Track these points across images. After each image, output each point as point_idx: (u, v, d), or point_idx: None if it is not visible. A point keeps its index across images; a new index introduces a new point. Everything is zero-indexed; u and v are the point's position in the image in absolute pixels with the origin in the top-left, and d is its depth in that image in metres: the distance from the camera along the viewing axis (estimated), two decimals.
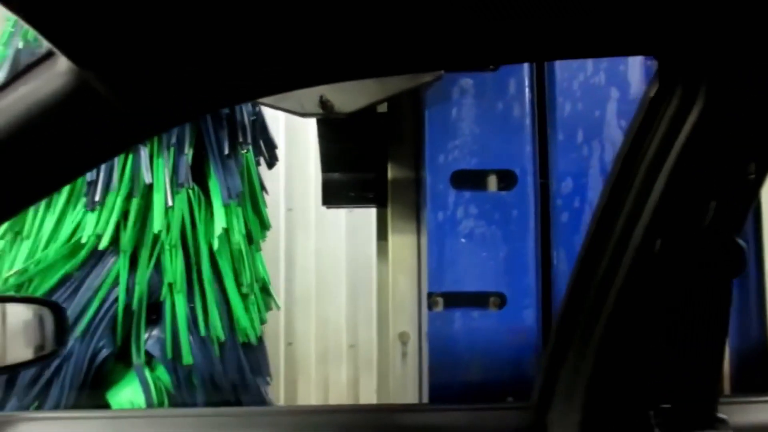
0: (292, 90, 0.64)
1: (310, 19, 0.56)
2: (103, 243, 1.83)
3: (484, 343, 1.37)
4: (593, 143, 1.40)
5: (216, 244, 1.80)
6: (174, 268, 1.76)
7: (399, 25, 0.58)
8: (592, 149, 1.40)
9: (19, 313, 0.99)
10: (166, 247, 1.79)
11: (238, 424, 0.82)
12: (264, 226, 2.06)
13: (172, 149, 1.78)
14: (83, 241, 1.84)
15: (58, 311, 0.99)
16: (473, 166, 1.41)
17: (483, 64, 1.37)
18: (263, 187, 2.15)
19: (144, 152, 1.77)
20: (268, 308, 2.14)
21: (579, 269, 0.91)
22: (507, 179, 1.41)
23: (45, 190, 0.74)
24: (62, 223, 1.88)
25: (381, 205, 1.65)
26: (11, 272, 1.87)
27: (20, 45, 1.90)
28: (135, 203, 1.80)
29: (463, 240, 1.40)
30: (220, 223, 1.78)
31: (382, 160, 1.59)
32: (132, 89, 0.63)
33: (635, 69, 1.41)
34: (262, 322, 2.13)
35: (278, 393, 2.86)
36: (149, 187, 1.81)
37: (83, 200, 1.81)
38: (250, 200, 1.98)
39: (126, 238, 1.81)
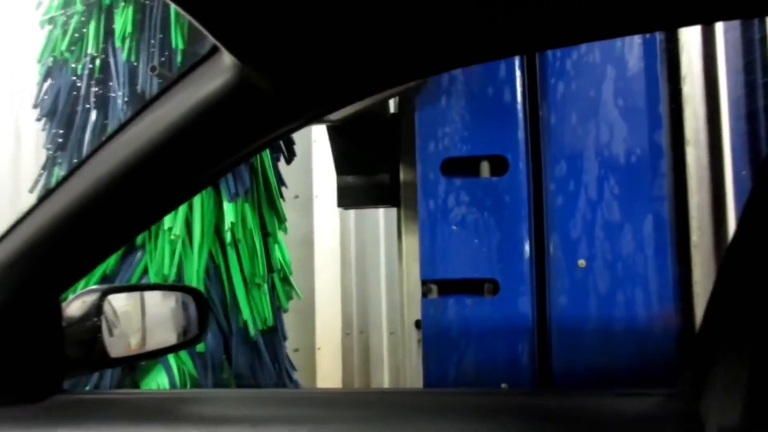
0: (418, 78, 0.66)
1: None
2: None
3: (478, 330, 1.31)
4: (588, 124, 1.31)
5: (228, 238, 1.82)
6: (171, 261, 1.79)
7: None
8: (587, 130, 1.31)
9: (165, 300, 1.03)
10: (166, 240, 1.82)
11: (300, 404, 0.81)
12: (279, 219, 2.06)
13: None
14: None
15: (200, 298, 1.02)
16: (463, 153, 1.35)
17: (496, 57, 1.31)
18: (282, 182, 2.15)
19: None
20: (289, 298, 2.14)
21: (736, 244, 0.84)
22: (498, 165, 1.34)
23: (206, 181, 0.77)
24: None
25: (395, 204, 1.61)
26: None
27: (50, 62, 1.97)
28: None
29: (454, 227, 1.34)
30: (228, 218, 1.80)
31: (394, 160, 1.55)
32: (289, 82, 0.65)
33: (632, 45, 1.31)
34: (285, 310, 2.14)
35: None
36: None
37: None
38: (265, 194, 1.98)
39: (150, 234, 1.85)
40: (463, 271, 1.34)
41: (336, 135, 1.62)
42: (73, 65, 1.91)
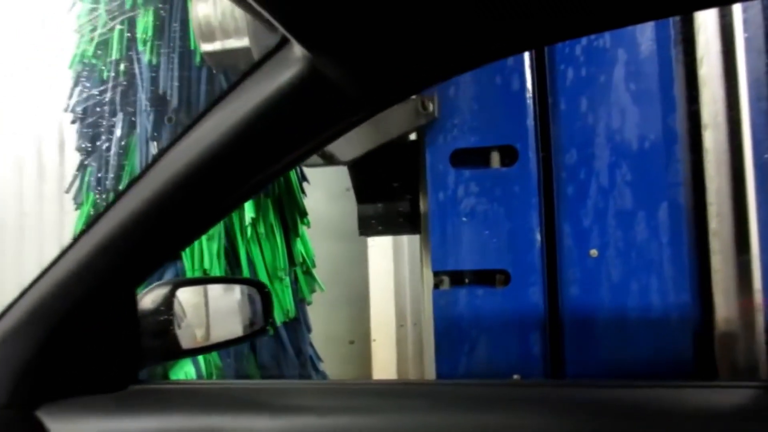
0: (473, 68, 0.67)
1: None
2: None
3: (490, 321, 1.29)
4: (599, 110, 1.26)
5: (249, 233, 1.84)
6: (210, 255, 1.82)
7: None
8: (598, 117, 1.26)
9: (230, 293, 1.04)
10: (204, 237, 1.85)
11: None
12: (301, 213, 2.07)
13: None
14: None
15: (264, 291, 1.03)
16: (472, 144, 1.33)
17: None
18: (304, 178, 2.17)
19: None
20: (312, 290, 2.16)
21: None
22: (507, 155, 1.31)
23: (278, 172, 0.78)
24: None
25: (416, 232, 1.59)
26: None
27: (79, 68, 2.03)
28: None
29: (464, 218, 1.32)
30: (249, 213, 1.82)
31: (414, 187, 1.53)
32: (358, 72, 0.65)
33: (644, 28, 1.26)
34: (308, 303, 2.15)
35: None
36: None
37: None
38: (286, 190, 2.00)
39: None
40: (474, 262, 1.32)
41: (355, 166, 1.61)
42: (100, 70, 1.96)
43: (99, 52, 1.97)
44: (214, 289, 1.03)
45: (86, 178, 2.02)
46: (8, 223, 2.73)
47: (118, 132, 1.93)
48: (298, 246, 2.05)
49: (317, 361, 2.23)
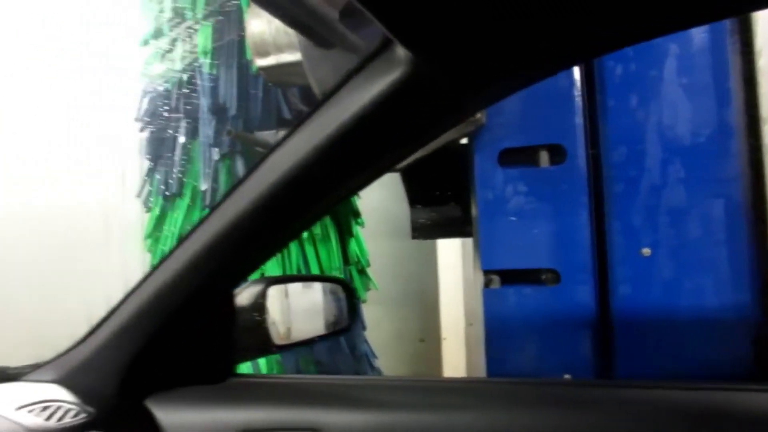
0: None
1: None
2: None
3: (540, 320, 1.28)
4: (650, 106, 1.23)
5: (305, 234, 1.90)
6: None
7: None
8: (649, 113, 1.23)
9: (317, 291, 1.07)
10: None
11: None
12: (355, 214, 2.12)
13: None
14: None
15: (347, 289, 1.06)
16: (520, 144, 1.32)
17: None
18: None
19: (241, 161, 1.92)
20: (366, 288, 2.20)
21: None
22: (556, 154, 1.30)
23: (380, 172, 0.78)
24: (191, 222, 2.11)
25: (467, 235, 1.59)
26: None
27: (146, 80, 2.15)
28: None
29: (513, 218, 1.32)
30: None
31: (465, 191, 1.52)
32: (461, 73, 0.65)
33: None
34: (363, 301, 2.20)
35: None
36: None
37: (199, 205, 2.02)
38: None
39: None
40: (523, 262, 1.31)
41: (407, 172, 1.63)
42: (165, 81, 2.08)
43: (164, 64, 2.09)
44: (302, 287, 1.06)
45: (154, 183, 2.15)
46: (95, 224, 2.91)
47: (181, 139, 2.04)
48: (353, 246, 2.10)
49: (372, 357, 2.27)
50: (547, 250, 1.29)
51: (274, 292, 0.94)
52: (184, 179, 2.06)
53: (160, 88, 2.11)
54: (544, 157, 1.32)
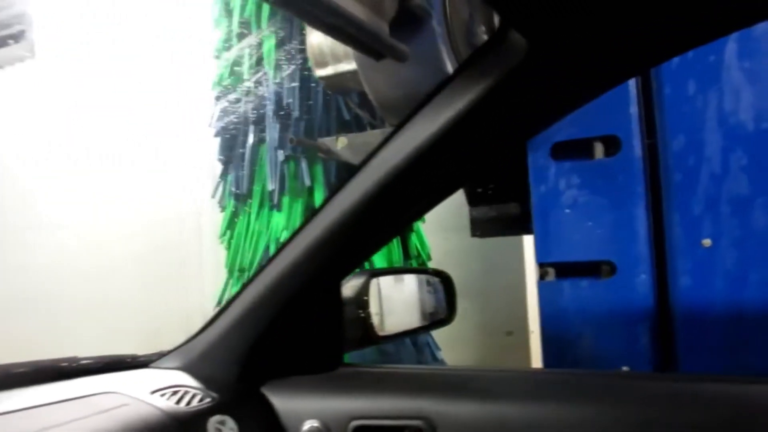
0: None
1: None
2: (289, 234, 2.11)
3: (596, 312, 1.27)
4: (709, 92, 1.19)
5: None
6: None
7: None
8: (708, 99, 1.19)
9: (417, 283, 1.06)
10: None
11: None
12: None
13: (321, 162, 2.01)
14: (279, 235, 2.14)
15: (447, 281, 1.03)
16: (573, 136, 1.31)
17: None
18: None
19: (304, 163, 2.01)
20: None
21: None
22: (610, 145, 1.27)
23: (493, 160, 0.80)
24: (268, 222, 2.22)
25: (528, 232, 1.57)
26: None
27: (218, 90, 2.28)
28: (300, 202, 2.05)
29: (567, 210, 1.31)
30: None
31: (524, 189, 1.54)
32: (575, 61, 0.64)
33: None
34: None
35: None
36: (310, 189, 2.04)
37: (267, 204, 2.13)
38: None
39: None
40: (578, 254, 1.30)
41: None
42: (235, 89, 2.20)
43: (233, 75, 2.21)
44: (403, 279, 1.06)
45: (227, 185, 2.27)
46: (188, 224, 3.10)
47: (250, 142, 2.15)
48: (413, 240, 2.13)
49: (435, 349, 2.30)
50: (603, 242, 1.27)
51: (375, 284, 0.95)
52: (253, 180, 2.17)
53: (231, 97, 2.23)
54: (598, 149, 1.30)
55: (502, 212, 1.66)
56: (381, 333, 0.95)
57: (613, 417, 0.74)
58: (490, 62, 0.66)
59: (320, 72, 1.57)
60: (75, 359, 0.89)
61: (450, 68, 1.30)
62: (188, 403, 0.76)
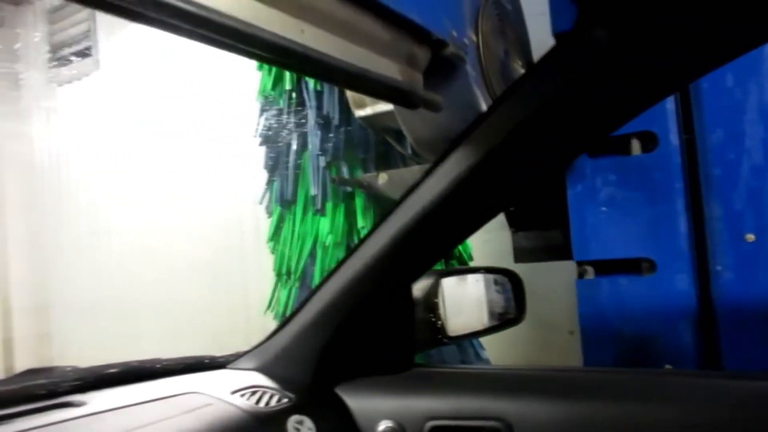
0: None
1: None
2: (333, 238, 2.16)
3: (636, 310, 1.25)
4: (749, 85, 1.16)
5: None
6: None
7: None
8: (748, 92, 1.16)
9: (485, 283, 1.04)
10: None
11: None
12: None
13: (361, 163, 2.05)
14: (324, 239, 2.20)
15: (516, 280, 1.02)
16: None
17: None
18: None
19: (345, 168, 2.05)
20: None
21: None
22: (647, 141, 1.26)
23: (570, 157, 0.82)
24: (312, 226, 2.28)
25: (569, 257, 1.57)
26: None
27: (262, 100, 2.35)
28: (342, 207, 2.10)
29: (604, 208, 1.30)
30: None
31: (565, 216, 1.47)
32: (653, 55, 0.63)
33: None
34: None
35: None
36: (351, 194, 2.08)
37: (311, 209, 2.19)
38: None
39: (339, 233, 2.12)
40: (617, 251, 1.29)
41: None
42: (278, 99, 2.27)
43: (276, 85, 2.27)
44: (471, 279, 1.04)
45: (273, 192, 2.34)
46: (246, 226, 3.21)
47: (293, 150, 2.21)
48: None
49: (479, 349, 2.29)
50: (641, 239, 1.25)
51: (447, 284, 0.94)
52: (297, 186, 2.23)
53: (274, 107, 2.30)
54: (635, 146, 1.28)
55: (545, 240, 1.64)
56: (451, 333, 0.94)
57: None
58: (570, 54, 0.65)
59: (359, 113, 1.63)
60: (158, 360, 0.91)
61: (485, 109, 1.31)
62: (267, 404, 0.77)
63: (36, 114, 3.98)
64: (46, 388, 0.74)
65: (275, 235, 2.43)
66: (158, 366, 0.89)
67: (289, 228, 2.33)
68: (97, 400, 0.73)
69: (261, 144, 2.40)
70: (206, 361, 0.93)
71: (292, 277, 2.32)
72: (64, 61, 3.89)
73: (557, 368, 0.91)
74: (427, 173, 0.77)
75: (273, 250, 2.46)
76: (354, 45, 0.97)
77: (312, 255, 2.24)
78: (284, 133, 2.27)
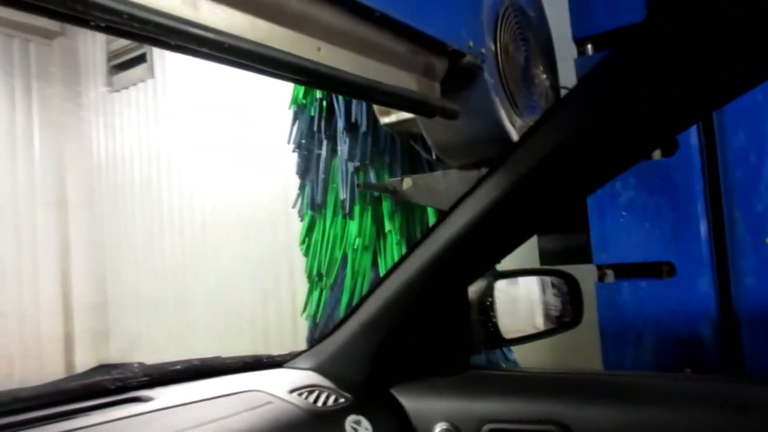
0: None
1: None
2: (361, 242, 2.20)
3: (656, 313, 1.24)
4: None
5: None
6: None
7: None
8: None
9: (539, 285, 1.01)
10: (394, 242, 2.07)
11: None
12: None
13: (388, 168, 2.08)
14: (354, 242, 2.25)
15: (572, 283, 0.98)
16: None
17: None
18: None
19: (372, 173, 2.09)
20: None
21: None
22: (667, 144, 1.25)
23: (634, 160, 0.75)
24: (342, 229, 2.33)
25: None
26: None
27: (295, 108, 2.42)
28: (369, 210, 2.13)
29: (624, 212, 1.29)
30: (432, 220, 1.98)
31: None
32: (722, 55, 0.61)
33: None
34: None
35: None
36: (378, 198, 2.12)
37: (340, 213, 2.24)
38: None
39: (367, 236, 2.15)
40: (637, 255, 1.28)
41: None
42: (309, 107, 2.33)
43: (307, 95, 2.34)
44: (526, 281, 1.02)
45: (304, 196, 2.40)
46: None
47: (323, 156, 2.26)
48: None
49: (507, 351, 2.28)
50: (662, 243, 1.24)
51: (502, 286, 0.92)
52: (327, 191, 2.28)
53: (306, 114, 2.36)
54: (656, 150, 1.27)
55: (569, 243, 1.64)
56: (506, 336, 0.91)
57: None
58: (636, 52, 0.63)
59: (384, 120, 1.68)
60: (219, 358, 0.93)
61: (504, 116, 1.33)
62: (324, 403, 0.78)
63: (94, 119, 4.18)
64: (116, 383, 0.77)
65: (306, 239, 2.49)
66: (219, 364, 0.91)
67: (319, 231, 2.39)
68: (165, 395, 0.75)
69: (293, 150, 2.47)
70: (264, 359, 0.94)
71: (324, 279, 2.37)
72: (120, 68, 4.09)
73: (616, 373, 0.87)
74: (485, 177, 0.76)
75: (305, 253, 2.52)
76: (370, 59, 1.00)
77: (345, 257, 2.29)
78: (315, 139, 2.33)
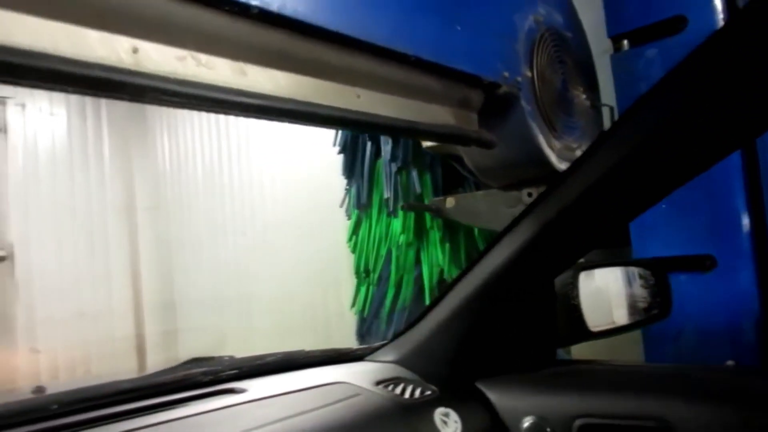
0: None
1: None
2: (405, 238, 2.25)
3: (697, 307, 1.22)
4: None
5: (476, 231, 2.03)
6: (444, 255, 2.07)
7: None
8: None
9: (626, 276, 0.98)
10: (436, 240, 2.11)
11: None
12: None
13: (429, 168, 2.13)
14: (398, 239, 2.30)
15: (660, 274, 0.94)
16: None
17: None
18: None
19: (414, 173, 2.14)
20: None
21: None
22: None
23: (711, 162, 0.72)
24: (387, 227, 2.39)
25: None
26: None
27: None
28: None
29: (663, 206, 1.27)
30: None
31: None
32: None
33: None
34: None
35: None
36: (420, 196, 2.16)
37: (384, 211, 2.30)
38: None
39: (411, 233, 2.20)
40: (677, 248, 1.27)
41: None
42: None
43: None
44: (611, 272, 0.98)
45: (351, 196, 2.47)
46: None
47: (367, 158, 2.32)
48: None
49: None
50: (702, 236, 1.23)
51: (587, 278, 0.88)
52: (373, 191, 2.34)
53: None
54: None
55: (608, 256, 1.62)
56: (592, 329, 0.88)
57: None
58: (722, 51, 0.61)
59: (425, 144, 1.74)
60: (303, 352, 0.95)
61: (542, 140, 1.36)
62: (411, 395, 0.77)
63: (158, 125, 4.38)
64: (208, 375, 0.79)
65: (354, 236, 2.56)
66: (303, 357, 0.92)
67: (365, 229, 2.46)
68: (256, 387, 0.76)
69: (339, 152, 2.54)
70: (346, 352, 0.94)
71: (371, 275, 2.44)
72: None
73: (714, 368, 0.84)
74: (572, 169, 0.74)
75: (352, 250, 2.59)
76: (407, 99, 1.04)
77: (389, 254, 2.35)
78: (359, 142, 2.39)
